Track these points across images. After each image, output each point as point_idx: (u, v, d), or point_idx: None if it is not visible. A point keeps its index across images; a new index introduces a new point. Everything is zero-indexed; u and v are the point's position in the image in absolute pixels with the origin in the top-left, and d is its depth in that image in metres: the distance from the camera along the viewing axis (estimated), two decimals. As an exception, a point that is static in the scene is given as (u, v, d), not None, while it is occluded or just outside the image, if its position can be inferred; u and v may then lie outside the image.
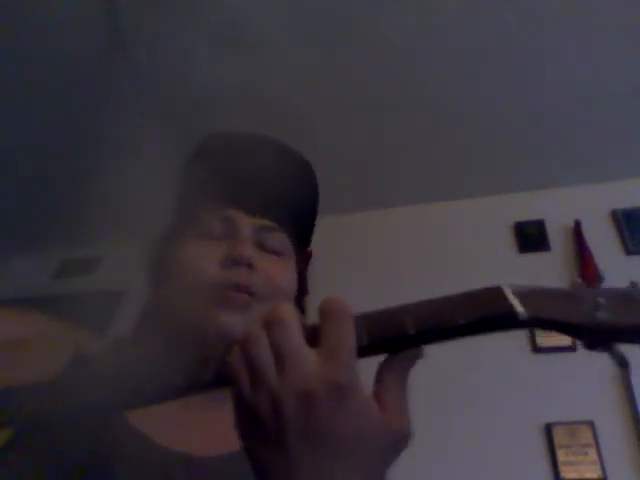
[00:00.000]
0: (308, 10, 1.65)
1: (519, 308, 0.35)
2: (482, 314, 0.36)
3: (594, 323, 0.34)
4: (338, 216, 2.29)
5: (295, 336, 0.35)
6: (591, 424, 1.59)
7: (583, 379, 1.64)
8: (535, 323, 0.35)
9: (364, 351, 0.35)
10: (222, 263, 0.56)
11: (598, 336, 0.34)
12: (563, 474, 1.53)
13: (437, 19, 1.66)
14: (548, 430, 1.61)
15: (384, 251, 2.19)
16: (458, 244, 2.13)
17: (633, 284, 0.37)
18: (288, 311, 0.36)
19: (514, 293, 0.36)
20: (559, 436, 1.59)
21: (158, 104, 1.88)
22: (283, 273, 0.60)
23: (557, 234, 2.09)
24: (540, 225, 2.11)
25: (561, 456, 1.56)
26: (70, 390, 0.40)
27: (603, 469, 1.52)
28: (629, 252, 1.95)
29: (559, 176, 2.16)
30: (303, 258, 0.67)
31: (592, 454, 1.55)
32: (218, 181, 0.60)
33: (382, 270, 2.13)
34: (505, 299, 0.36)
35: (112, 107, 1.88)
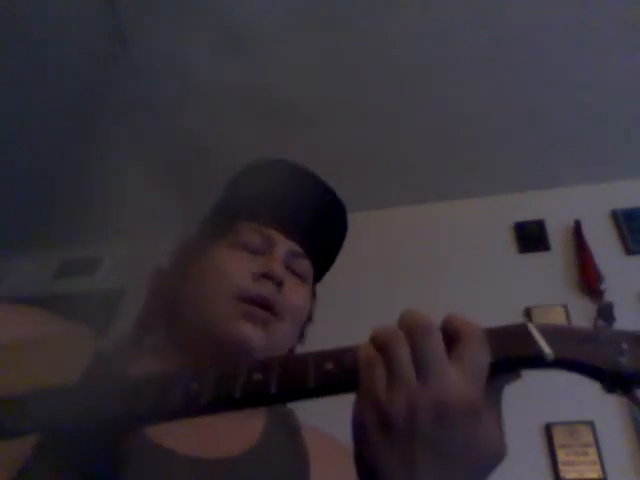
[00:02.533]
0: (309, 10, 1.65)
1: (546, 349, 0.35)
2: (512, 355, 0.36)
3: (617, 369, 0.34)
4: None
5: (440, 345, 0.36)
6: (591, 424, 1.59)
7: (583, 379, 1.63)
8: (560, 364, 0.35)
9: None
10: (254, 275, 0.58)
11: (619, 381, 0.34)
12: (563, 474, 1.53)
13: (438, 19, 1.66)
14: (548, 430, 1.61)
15: (384, 251, 2.19)
16: (458, 244, 2.13)
17: None
18: (429, 318, 0.37)
19: (540, 332, 0.36)
20: (559, 436, 1.59)
21: (158, 104, 1.88)
22: (303, 298, 0.64)
23: (557, 234, 2.08)
24: (540, 225, 2.11)
25: (561, 456, 1.56)
26: (92, 397, 0.39)
27: (603, 469, 1.52)
28: (629, 252, 1.95)
29: (559, 176, 2.16)
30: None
31: (592, 454, 1.55)
32: (264, 199, 0.64)
33: (382, 270, 2.13)
34: (532, 339, 0.36)
35: (112, 107, 1.88)
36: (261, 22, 1.60)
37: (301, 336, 0.68)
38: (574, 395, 1.66)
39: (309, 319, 0.70)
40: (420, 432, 0.34)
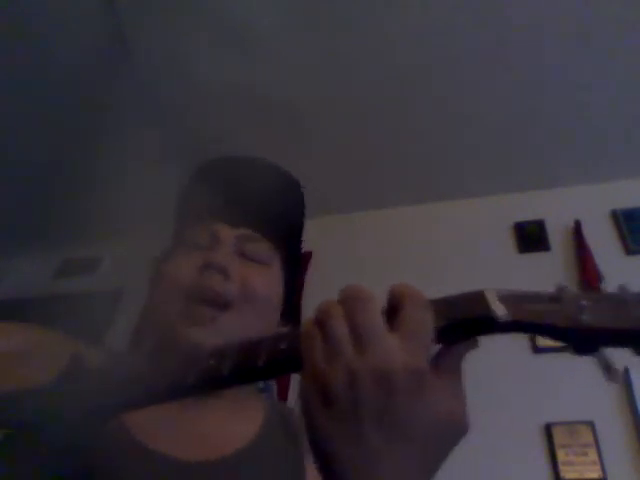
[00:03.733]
0: (309, 10, 1.65)
1: (500, 311, 0.34)
2: (462, 317, 0.35)
3: (578, 326, 0.33)
4: (336, 216, 2.29)
5: (377, 315, 0.35)
6: (591, 424, 1.59)
7: (583, 379, 1.64)
8: (517, 327, 0.34)
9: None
10: (199, 269, 0.57)
11: (584, 339, 0.33)
12: (563, 474, 1.53)
13: (438, 19, 1.66)
14: (548, 430, 1.61)
15: (383, 251, 2.19)
16: (458, 244, 2.13)
17: (621, 287, 0.36)
18: (368, 290, 0.36)
19: (497, 297, 0.35)
20: (559, 436, 1.59)
21: (158, 104, 1.88)
22: (263, 281, 0.61)
23: (557, 234, 2.09)
24: (540, 225, 2.11)
25: (561, 456, 1.56)
26: (64, 394, 0.40)
27: (603, 469, 1.52)
28: (629, 252, 1.95)
29: (559, 176, 2.16)
30: (295, 264, 0.69)
31: (592, 454, 1.55)
32: (204, 197, 0.63)
33: (381, 270, 2.12)
34: (487, 303, 0.35)
35: (112, 107, 1.88)
36: (261, 22, 1.60)
37: (287, 321, 0.66)
38: (574, 395, 1.66)
39: (293, 299, 0.68)
40: (363, 403, 0.33)
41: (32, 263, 2.56)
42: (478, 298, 0.36)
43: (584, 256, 1.93)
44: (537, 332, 0.35)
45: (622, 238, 1.99)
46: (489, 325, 0.34)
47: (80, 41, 1.78)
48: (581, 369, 1.63)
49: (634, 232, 1.98)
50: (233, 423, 0.58)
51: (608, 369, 0.33)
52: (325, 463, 0.35)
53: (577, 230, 2.03)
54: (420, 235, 2.21)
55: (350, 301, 0.36)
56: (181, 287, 0.57)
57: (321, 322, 0.36)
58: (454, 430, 0.35)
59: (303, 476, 0.58)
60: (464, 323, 0.35)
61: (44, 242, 2.51)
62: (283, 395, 1.78)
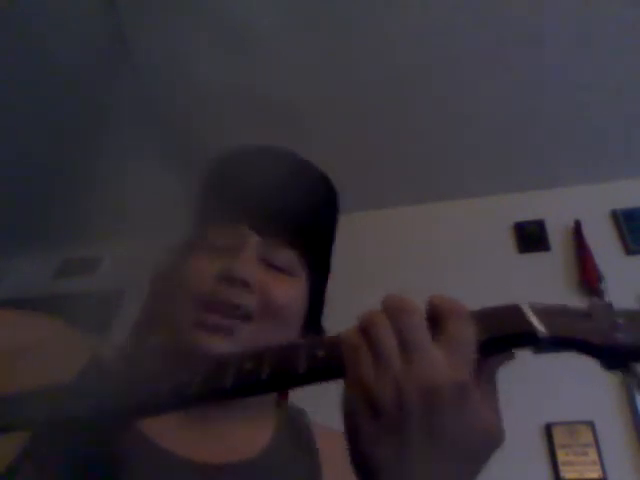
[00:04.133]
0: (309, 10, 1.65)
1: (539, 327, 0.34)
2: (504, 331, 0.36)
3: (613, 344, 0.34)
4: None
5: (424, 328, 0.35)
6: (591, 424, 1.59)
7: (583, 379, 1.64)
8: (554, 342, 0.35)
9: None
10: (216, 278, 0.54)
11: (617, 357, 0.34)
12: (563, 474, 1.53)
13: (438, 19, 1.66)
14: (548, 430, 1.61)
15: (383, 251, 2.19)
16: (458, 244, 2.13)
17: None
18: (412, 301, 0.36)
19: (533, 311, 0.36)
20: (559, 436, 1.59)
21: (158, 104, 1.88)
22: (286, 292, 0.57)
23: (557, 234, 2.09)
24: (540, 225, 2.11)
25: (561, 456, 1.56)
26: (84, 396, 0.39)
27: (603, 469, 1.52)
28: (629, 252, 1.95)
29: (559, 176, 2.16)
30: (323, 274, 0.66)
31: (592, 454, 1.55)
32: (229, 197, 0.58)
33: (381, 270, 2.13)
34: (526, 317, 0.35)
35: (112, 107, 1.88)
36: (261, 22, 1.60)
37: (310, 330, 0.62)
38: (574, 395, 1.66)
39: (320, 311, 0.65)
40: (411, 416, 0.33)
41: (32, 263, 2.56)
42: (516, 313, 0.36)
43: (584, 256, 1.93)
44: (571, 348, 0.35)
45: (622, 238, 1.99)
46: (530, 340, 0.35)
47: (80, 41, 1.78)
48: (581, 369, 1.63)
49: (634, 232, 1.98)
50: (249, 426, 0.56)
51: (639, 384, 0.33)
52: (369, 473, 0.35)
53: (577, 230, 2.03)
54: (420, 235, 2.21)
55: (397, 312, 0.35)
56: (197, 293, 0.53)
57: (367, 332, 0.35)
58: (491, 441, 0.36)
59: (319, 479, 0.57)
60: (506, 337, 0.36)
61: (44, 242, 2.51)
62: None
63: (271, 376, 0.36)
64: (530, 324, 0.35)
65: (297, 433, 0.61)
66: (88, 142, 1.93)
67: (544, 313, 0.36)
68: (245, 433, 0.56)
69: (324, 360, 0.36)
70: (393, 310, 0.36)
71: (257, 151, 0.63)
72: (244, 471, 0.52)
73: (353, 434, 0.35)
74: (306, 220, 0.61)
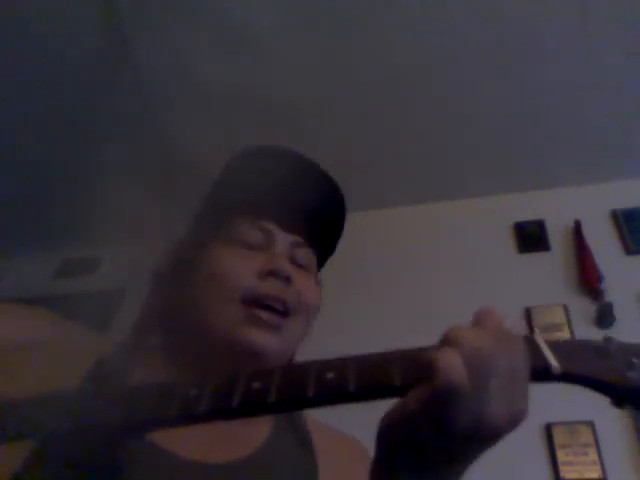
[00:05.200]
0: (309, 10, 1.65)
1: (554, 362, 0.34)
2: None
3: (627, 384, 0.34)
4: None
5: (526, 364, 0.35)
6: (591, 424, 1.59)
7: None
8: (567, 379, 0.35)
9: None
10: (259, 273, 0.56)
11: (630, 396, 0.34)
12: (563, 474, 1.53)
13: (438, 19, 1.66)
14: (548, 430, 1.61)
15: (383, 251, 2.19)
16: (458, 244, 2.13)
17: None
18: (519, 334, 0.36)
19: (548, 346, 0.36)
20: (559, 436, 1.59)
21: (158, 104, 1.88)
22: (313, 289, 0.61)
23: (557, 234, 2.08)
24: (540, 225, 2.11)
25: (561, 456, 1.56)
26: (91, 403, 0.39)
27: (603, 469, 1.52)
28: (629, 252, 1.95)
29: (559, 176, 2.16)
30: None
31: (592, 454, 1.55)
32: (257, 191, 0.60)
33: (381, 270, 2.13)
34: (541, 352, 0.35)
35: (112, 107, 1.88)
36: (261, 22, 1.60)
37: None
38: (574, 395, 1.66)
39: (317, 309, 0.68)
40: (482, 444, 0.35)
41: (32, 263, 2.56)
42: (532, 346, 0.36)
43: (584, 256, 1.93)
44: (584, 384, 0.36)
45: (622, 238, 1.99)
46: (544, 375, 0.35)
47: (80, 41, 1.78)
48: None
49: (634, 232, 1.98)
50: (246, 425, 0.55)
51: None
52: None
53: (577, 230, 2.03)
54: (420, 235, 2.21)
55: (509, 343, 0.34)
56: (237, 290, 0.55)
57: (478, 359, 0.33)
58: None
59: (316, 476, 0.57)
60: None
61: (44, 242, 2.51)
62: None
63: (279, 399, 0.35)
64: (545, 360, 0.35)
65: (294, 428, 0.61)
66: (88, 142, 1.93)
67: (558, 347, 0.36)
68: (243, 430, 0.56)
69: (333, 384, 0.35)
70: (506, 340, 0.34)
71: (279, 151, 0.66)
72: (244, 469, 0.52)
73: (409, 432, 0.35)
74: (326, 221, 0.66)
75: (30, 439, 0.38)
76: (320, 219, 0.64)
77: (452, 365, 0.32)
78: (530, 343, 0.36)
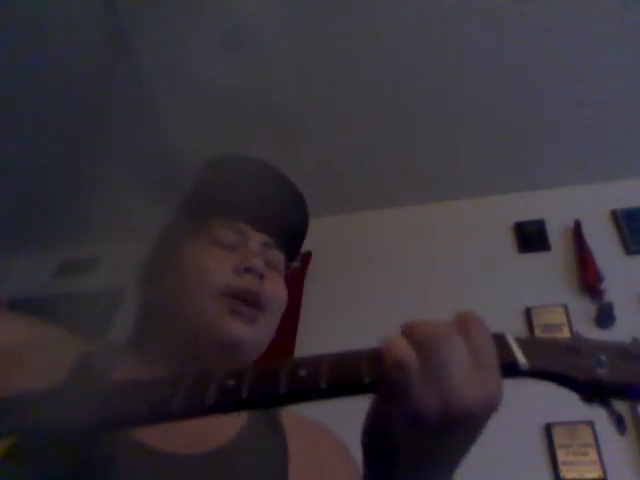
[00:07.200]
0: (308, 10, 1.65)
1: (522, 359, 0.36)
2: None
3: (593, 380, 0.34)
4: (336, 216, 2.29)
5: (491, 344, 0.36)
6: (591, 424, 1.59)
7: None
8: (535, 374, 0.36)
9: None
10: (236, 270, 0.60)
11: (596, 392, 0.35)
12: (563, 474, 1.53)
13: (436, 19, 1.66)
14: (548, 430, 1.61)
15: (383, 251, 2.19)
16: (458, 244, 2.13)
17: (634, 339, 0.37)
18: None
19: (517, 342, 0.37)
20: (559, 436, 1.59)
21: (158, 104, 1.88)
22: (282, 288, 0.65)
23: (557, 234, 2.08)
24: (540, 225, 2.11)
25: (561, 456, 1.56)
26: (73, 402, 0.39)
27: (603, 469, 1.52)
28: (629, 252, 1.95)
29: (559, 176, 2.16)
30: (296, 266, 0.72)
31: (592, 454, 1.55)
32: (232, 195, 0.65)
33: (381, 270, 2.13)
34: (509, 348, 0.36)
35: (112, 107, 1.88)
36: (261, 22, 1.60)
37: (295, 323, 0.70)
38: (574, 395, 1.66)
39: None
40: (455, 426, 0.35)
41: (32, 263, 2.56)
42: (501, 343, 0.37)
43: (584, 256, 1.93)
44: (552, 380, 0.37)
45: (622, 238, 1.98)
46: (512, 370, 0.36)
47: (80, 41, 1.78)
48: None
49: (634, 232, 1.98)
50: (218, 417, 0.58)
51: (618, 421, 0.34)
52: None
53: (577, 230, 2.02)
54: (420, 235, 2.21)
55: (471, 328, 0.36)
56: (218, 284, 0.58)
57: (434, 344, 0.35)
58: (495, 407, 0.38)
59: (286, 465, 0.59)
60: None
61: (44, 242, 2.51)
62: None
63: (251, 396, 0.36)
64: (513, 354, 0.36)
65: (268, 421, 0.64)
66: (88, 142, 1.93)
67: (528, 345, 0.37)
68: (217, 422, 0.57)
69: (304, 380, 0.36)
70: (467, 325, 0.36)
71: (253, 161, 0.71)
72: (219, 458, 0.54)
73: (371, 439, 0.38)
74: (296, 224, 0.71)
75: (7, 437, 0.38)
76: (286, 221, 0.69)
77: (395, 343, 0.34)
78: (499, 340, 0.37)
